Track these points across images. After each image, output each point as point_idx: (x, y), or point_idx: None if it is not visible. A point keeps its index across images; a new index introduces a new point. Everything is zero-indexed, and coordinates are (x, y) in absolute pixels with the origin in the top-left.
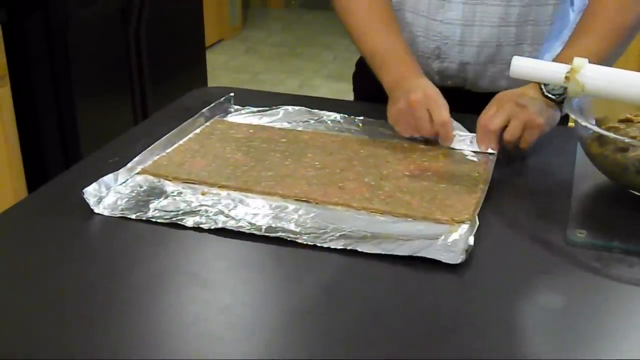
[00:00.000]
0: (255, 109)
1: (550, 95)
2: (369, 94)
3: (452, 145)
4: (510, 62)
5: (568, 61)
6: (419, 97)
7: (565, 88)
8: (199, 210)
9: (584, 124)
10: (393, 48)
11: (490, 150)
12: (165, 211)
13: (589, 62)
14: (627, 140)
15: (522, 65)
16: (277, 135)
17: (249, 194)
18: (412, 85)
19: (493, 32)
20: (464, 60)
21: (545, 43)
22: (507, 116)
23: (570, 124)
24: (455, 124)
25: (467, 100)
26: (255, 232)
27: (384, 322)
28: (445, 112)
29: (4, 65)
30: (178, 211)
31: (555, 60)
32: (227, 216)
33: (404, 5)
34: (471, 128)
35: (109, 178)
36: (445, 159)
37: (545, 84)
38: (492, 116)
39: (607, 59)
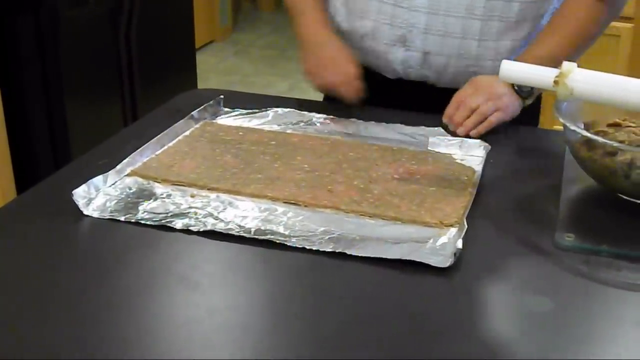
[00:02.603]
0: (245, 111)
1: (521, 93)
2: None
3: (441, 149)
4: (475, 58)
5: (529, 60)
6: (328, 53)
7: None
8: (188, 213)
9: (572, 128)
10: (308, 4)
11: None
12: (154, 213)
13: (548, 63)
14: (615, 144)
15: (511, 69)
16: (267, 138)
17: (238, 197)
18: (323, 41)
19: (458, 23)
20: (427, 49)
21: (508, 42)
22: (484, 99)
23: (557, 127)
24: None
25: (429, 97)
26: (244, 235)
27: (372, 325)
28: (352, 66)
29: None
30: (167, 213)
31: (516, 59)
32: (216, 218)
33: None
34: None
35: (98, 180)
36: (434, 163)
37: None
38: (470, 94)
39: (570, 59)
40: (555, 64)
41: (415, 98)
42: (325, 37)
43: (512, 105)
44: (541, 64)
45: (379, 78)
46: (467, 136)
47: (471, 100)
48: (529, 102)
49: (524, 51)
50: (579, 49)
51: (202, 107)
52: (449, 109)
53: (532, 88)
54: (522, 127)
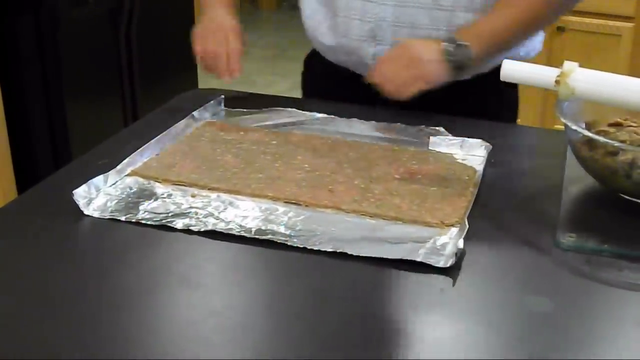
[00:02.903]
0: (245, 111)
1: (451, 61)
2: (317, 90)
3: (442, 149)
4: None
5: (473, 32)
6: (219, 23)
7: (469, 58)
8: (188, 213)
9: (573, 127)
10: None
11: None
12: (155, 213)
13: (491, 38)
14: (616, 144)
15: (512, 69)
16: (267, 138)
17: (239, 197)
18: (221, 15)
19: (425, 14)
20: (397, 42)
21: None
22: (404, 65)
23: (559, 126)
24: (441, 129)
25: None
26: (245, 235)
27: (373, 325)
28: (238, 41)
29: None
30: (168, 213)
31: (470, 31)
32: (217, 218)
33: None
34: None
35: (98, 180)
36: (435, 162)
37: (448, 47)
38: (392, 58)
39: (514, 38)
40: (504, 38)
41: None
42: (224, 15)
43: (436, 73)
44: (494, 35)
45: (348, 75)
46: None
47: (390, 66)
48: (462, 73)
49: (480, 20)
50: (529, 26)
51: (203, 107)
52: (371, 71)
53: (467, 59)
54: (523, 127)
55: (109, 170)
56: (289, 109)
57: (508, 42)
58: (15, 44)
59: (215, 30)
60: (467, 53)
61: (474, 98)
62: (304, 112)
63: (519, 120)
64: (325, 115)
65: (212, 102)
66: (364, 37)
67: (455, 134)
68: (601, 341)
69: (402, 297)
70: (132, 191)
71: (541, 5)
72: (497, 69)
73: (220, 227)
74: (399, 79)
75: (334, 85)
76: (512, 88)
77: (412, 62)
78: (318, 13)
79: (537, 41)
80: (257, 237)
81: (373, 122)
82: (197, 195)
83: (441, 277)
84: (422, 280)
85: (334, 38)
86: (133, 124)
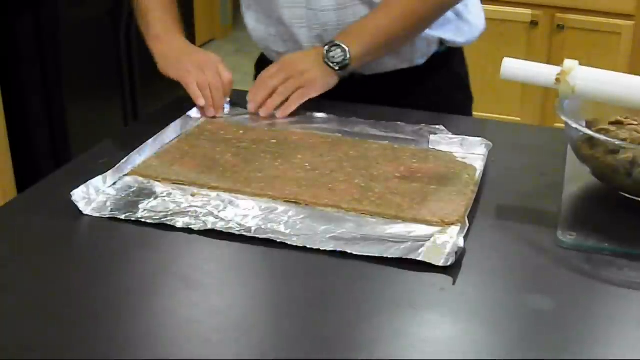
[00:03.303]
0: (245, 110)
1: (330, 63)
2: None
3: (442, 148)
4: None
5: (359, 34)
6: (204, 56)
7: (346, 58)
8: (188, 212)
9: (574, 126)
10: (160, 7)
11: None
12: (154, 212)
13: (371, 36)
14: (617, 142)
15: (512, 67)
16: (267, 136)
17: (239, 195)
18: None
19: (366, 11)
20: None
21: None
22: (285, 78)
23: (560, 125)
24: (441, 128)
25: (357, 87)
26: (245, 234)
27: (374, 324)
28: (226, 75)
29: None
30: (167, 212)
31: (347, 32)
32: (216, 217)
33: (279, 2)
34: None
35: (97, 180)
36: (436, 161)
37: (327, 51)
38: (272, 74)
39: (395, 39)
40: (385, 36)
41: (346, 90)
42: (186, 44)
43: (320, 80)
44: (374, 35)
45: None
46: (274, 117)
47: (271, 80)
48: (343, 73)
49: (362, 19)
50: (406, 27)
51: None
52: (252, 89)
53: (344, 59)
54: (523, 125)
55: (109, 170)
56: None
57: (391, 38)
58: (15, 44)
59: (205, 62)
60: (344, 54)
61: (420, 86)
62: (303, 111)
63: (519, 119)
64: (325, 114)
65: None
66: (313, 42)
67: (456, 132)
68: (602, 340)
69: (402, 296)
70: (131, 190)
71: (419, 4)
72: (437, 56)
73: (220, 226)
74: (278, 94)
75: None
76: (460, 72)
77: (289, 76)
78: (262, 24)
79: (474, 29)
80: (257, 236)
81: (373, 120)
82: (197, 194)
83: (441, 276)
84: (423, 279)
85: (284, 45)
86: (133, 122)
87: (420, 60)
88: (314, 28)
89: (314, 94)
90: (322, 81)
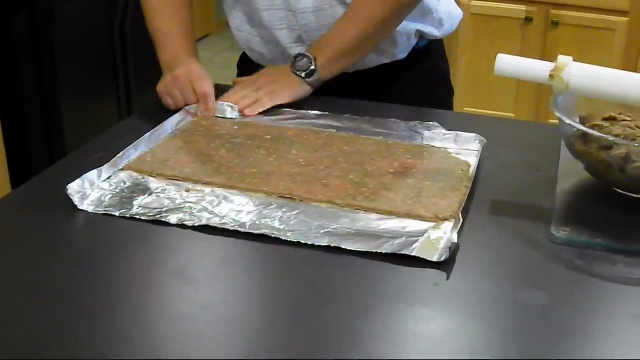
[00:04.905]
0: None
1: (297, 72)
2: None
3: (436, 143)
4: None
5: (325, 44)
6: (183, 71)
7: (310, 67)
8: (183, 207)
9: (568, 122)
10: (173, 31)
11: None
12: (149, 208)
13: (336, 45)
14: (611, 138)
15: (505, 63)
16: (262, 132)
17: (234, 191)
18: (180, 62)
19: (343, 12)
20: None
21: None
22: (258, 86)
23: (554, 121)
24: (435, 124)
25: (344, 83)
26: (240, 229)
27: (368, 320)
28: (207, 85)
29: None
30: (162, 208)
31: (314, 43)
32: (211, 213)
33: (258, 4)
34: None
35: (92, 174)
36: (430, 157)
37: (294, 62)
38: (246, 84)
39: (361, 45)
40: (349, 47)
41: (332, 88)
42: (183, 59)
43: (288, 87)
44: (340, 44)
45: None
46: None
47: (243, 89)
48: (313, 79)
49: (322, 35)
50: (369, 32)
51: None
52: (225, 95)
53: (309, 69)
54: (517, 121)
55: (104, 165)
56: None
57: (358, 45)
58: (10, 39)
59: (182, 82)
60: (311, 64)
61: (402, 80)
62: (298, 106)
63: (513, 115)
64: (319, 111)
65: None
66: (294, 44)
67: (450, 128)
68: (595, 335)
69: (396, 291)
70: (126, 186)
71: (381, 9)
72: (417, 50)
73: (215, 221)
74: (248, 99)
75: None
76: (441, 65)
77: (262, 84)
78: (246, 25)
79: (452, 18)
80: (251, 231)
81: (367, 117)
82: (191, 190)
83: (435, 272)
84: (416, 275)
85: (265, 47)
86: (127, 118)
87: (402, 55)
88: (294, 29)
89: (281, 100)
90: (290, 88)
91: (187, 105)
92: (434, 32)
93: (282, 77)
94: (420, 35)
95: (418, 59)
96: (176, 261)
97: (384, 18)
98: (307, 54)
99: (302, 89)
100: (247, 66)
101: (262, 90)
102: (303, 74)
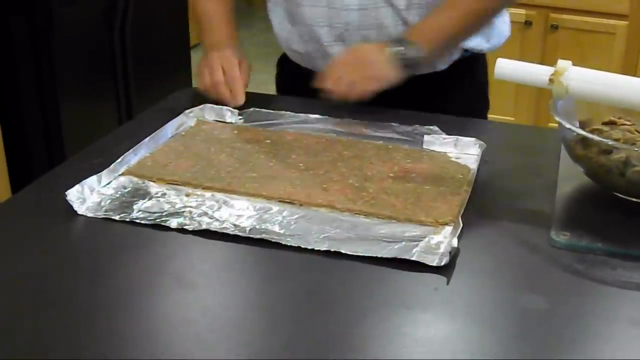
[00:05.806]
0: (239, 110)
1: (400, 58)
2: (290, 92)
3: (436, 148)
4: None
5: (421, 30)
6: (217, 55)
7: (417, 56)
8: (183, 212)
9: (567, 126)
10: (216, 15)
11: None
12: (149, 212)
13: (439, 35)
14: (610, 142)
15: (505, 67)
16: (262, 136)
17: (233, 196)
18: (220, 47)
19: (389, 14)
20: (364, 42)
21: None
22: (352, 69)
23: (554, 125)
24: (435, 128)
25: (383, 91)
26: (240, 234)
27: (368, 324)
28: (236, 69)
29: None
30: (162, 212)
31: (418, 32)
32: (211, 217)
33: (300, 0)
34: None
35: (92, 180)
36: (429, 161)
37: (397, 47)
38: (341, 63)
39: (456, 38)
40: (453, 32)
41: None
42: (223, 42)
43: (385, 73)
44: (443, 31)
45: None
46: (330, 101)
47: (340, 70)
48: (412, 70)
49: (417, 23)
50: (467, 26)
51: (197, 105)
52: (321, 75)
53: (414, 56)
54: (517, 125)
55: (103, 170)
56: (283, 111)
57: (457, 36)
58: (9, 43)
59: (214, 64)
60: (417, 51)
61: (442, 91)
62: (297, 111)
63: (513, 119)
64: (319, 115)
65: (206, 100)
66: (334, 42)
67: (449, 132)
68: (595, 339)
69: (396, 295)
70: (126, 190)
71: (481, 4)
72: (460, 62)
73: (215, 226)
74: (348, 81)
75: (308, 87)
76: (482, 79)
77: (361, 65)
78: (287, 23)
79: (501, 35)
80: (251, 236)
81: (367, 121)
82: (191, 194)
83: (435, 276)
84: (416, 279)
85: (304, 46)
86: (127, 122)
87: (443, 66)
88: (335, 27)
89: (379, 87)
90: (390, 75)
91: (214, 85)
92: (481, 46)
93: (384, 60)
94: (465, 48)
95: (459, 71)
96: (176, 265)
97: (484, 12)
98: (414, 41)
99: (399, 77)
100: (287, 66)
101: (361, 72)
102: (406, 63)
